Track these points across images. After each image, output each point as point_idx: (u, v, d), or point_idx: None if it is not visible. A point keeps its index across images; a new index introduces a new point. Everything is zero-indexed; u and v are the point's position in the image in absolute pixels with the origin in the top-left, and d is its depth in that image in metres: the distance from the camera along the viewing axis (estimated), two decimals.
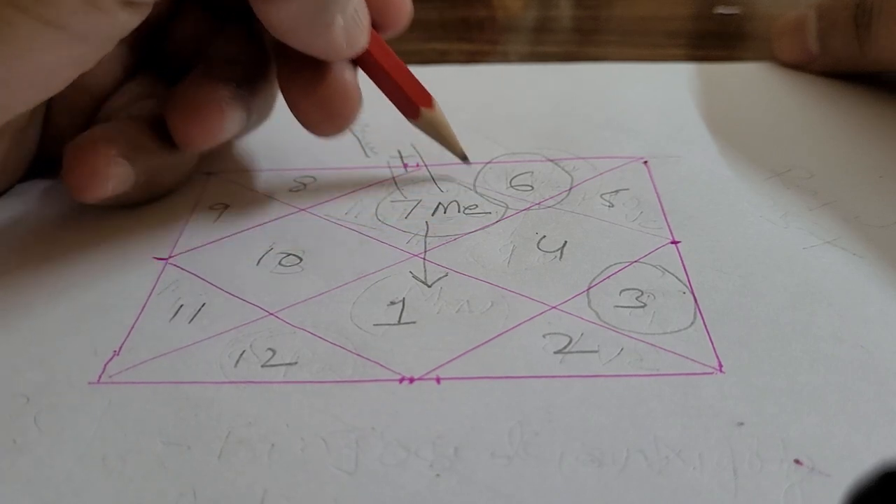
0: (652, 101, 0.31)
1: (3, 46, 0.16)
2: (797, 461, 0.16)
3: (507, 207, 0.25)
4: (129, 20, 0.18)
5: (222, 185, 0.26)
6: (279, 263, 0.22)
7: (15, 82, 0.17)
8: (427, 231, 0.24)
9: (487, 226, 0.24)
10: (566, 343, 0.19)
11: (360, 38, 0.22)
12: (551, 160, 0.27)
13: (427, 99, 0.25)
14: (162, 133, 0.23)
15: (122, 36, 0.18)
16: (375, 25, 0.23)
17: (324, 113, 0.23)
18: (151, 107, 0.24)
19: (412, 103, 0.24)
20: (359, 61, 0.24)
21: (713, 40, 0.38)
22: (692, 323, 0.20)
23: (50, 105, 0.25)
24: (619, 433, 0.17)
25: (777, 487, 0.16)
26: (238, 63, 0.24)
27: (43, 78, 0.18)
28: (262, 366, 0.19)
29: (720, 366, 0.18)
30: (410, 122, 0.25)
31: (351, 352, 0.19)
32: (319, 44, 0.21)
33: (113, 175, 0.22)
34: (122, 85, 0.25)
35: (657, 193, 0.25)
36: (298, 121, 0.23)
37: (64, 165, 0.22)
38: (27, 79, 0.18)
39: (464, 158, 0.26)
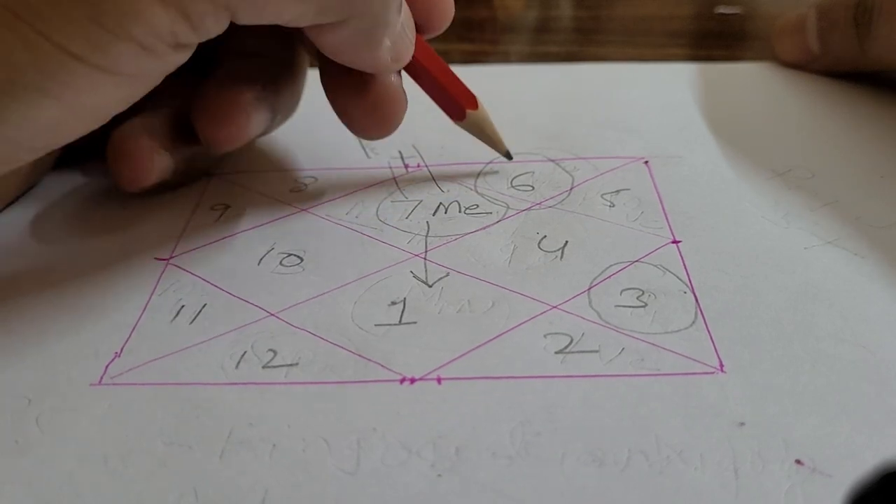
0: (653, 100, 0.31)
1: (59, 92, 0.17)
2: (798, 461, 0.16)
3: (508, 207, 0.25)
4: (180, 58, 0.18)
5: (223, 186, 0.26)
6: (280, 264, 0.22)
7: (66, 122, 0.18)
8: (428, 231, 0.24)
9: (488, 226, 0.24)
10: (567, 343, 0.19)
11: (407, 53, 0.22)
12: (552, 160, 0.27)
13: (472, 100, 0.25)
14: None
15: (170, 72, 0.19)
16: (419, 27, 0.23)
17: (372, 118, 0.23)
18: (183, 96, 0.24)
19: (458, 105, 0.24)
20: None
21: (714, 40, 0.38)
22: (693, 322, 0.20)
23: None
24: (620, 433, 0.17)
25: (778, 488, 0.16)
26: (262, 58, 0.24)
27: (93, 116, 0.18)
28: (264, 367, 0.19)
29: (721, 365, 0.18)
30: (455, 123, 0.25)
31: (352, 352, 0.19)
32: (367, 62, 0.21)
33: (157, 167, 0.23)
34: None
35: (658, 193, 0.25)
36: (346, 126, 0.23)
37: (109, 156, 0.23)
38: (78, 118, 0.18)
39: (507, 156, 0.26)
